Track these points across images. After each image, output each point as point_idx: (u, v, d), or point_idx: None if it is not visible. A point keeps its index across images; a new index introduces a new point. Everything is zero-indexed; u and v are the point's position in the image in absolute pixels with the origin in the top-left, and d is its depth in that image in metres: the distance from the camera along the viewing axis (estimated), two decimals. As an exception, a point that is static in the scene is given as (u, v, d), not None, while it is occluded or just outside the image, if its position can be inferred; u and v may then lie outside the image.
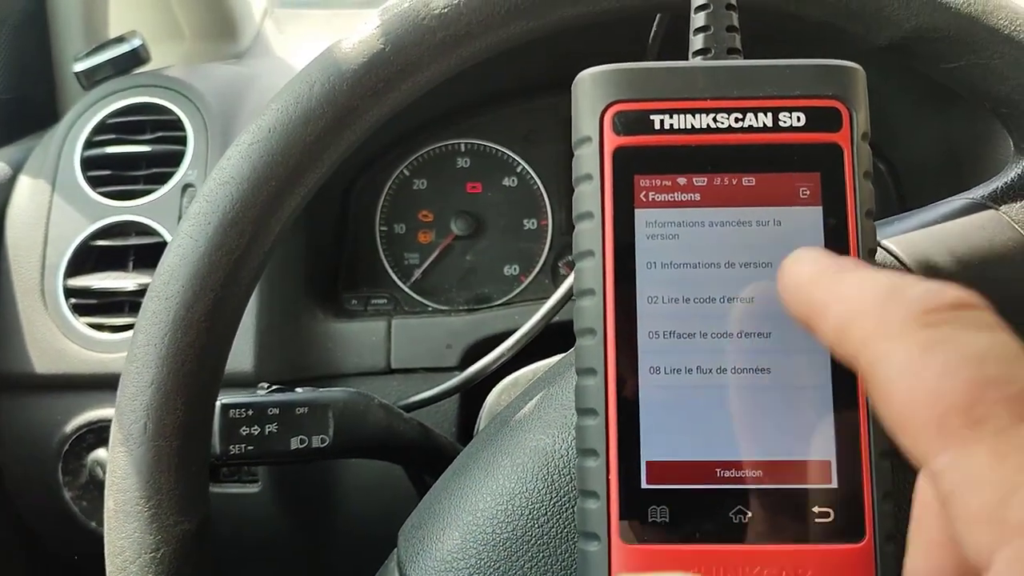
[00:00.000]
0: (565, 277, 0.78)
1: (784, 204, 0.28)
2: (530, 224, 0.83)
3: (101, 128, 0.73)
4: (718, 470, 0.27)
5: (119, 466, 0.34)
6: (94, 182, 0.72)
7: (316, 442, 0.44)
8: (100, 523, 0.69)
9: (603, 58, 0.31)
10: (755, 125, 0.28)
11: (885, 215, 0.38)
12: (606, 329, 0.28)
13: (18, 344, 0.68)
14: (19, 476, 0.71)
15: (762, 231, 0.28)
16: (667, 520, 0.27)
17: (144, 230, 0.70)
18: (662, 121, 0.28)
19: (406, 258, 0.83)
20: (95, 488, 0.69)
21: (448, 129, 0.83)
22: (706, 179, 0.28)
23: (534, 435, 0.35)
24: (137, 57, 0.79)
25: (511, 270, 0.82)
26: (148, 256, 0.70)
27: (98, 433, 0.68)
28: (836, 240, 0.28)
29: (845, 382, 0.27)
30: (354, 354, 0.72)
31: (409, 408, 0.54)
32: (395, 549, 0.36)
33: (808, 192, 0.28)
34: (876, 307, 0.20)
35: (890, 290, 0.20)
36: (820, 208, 0.28)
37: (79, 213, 0.71)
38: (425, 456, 0.51)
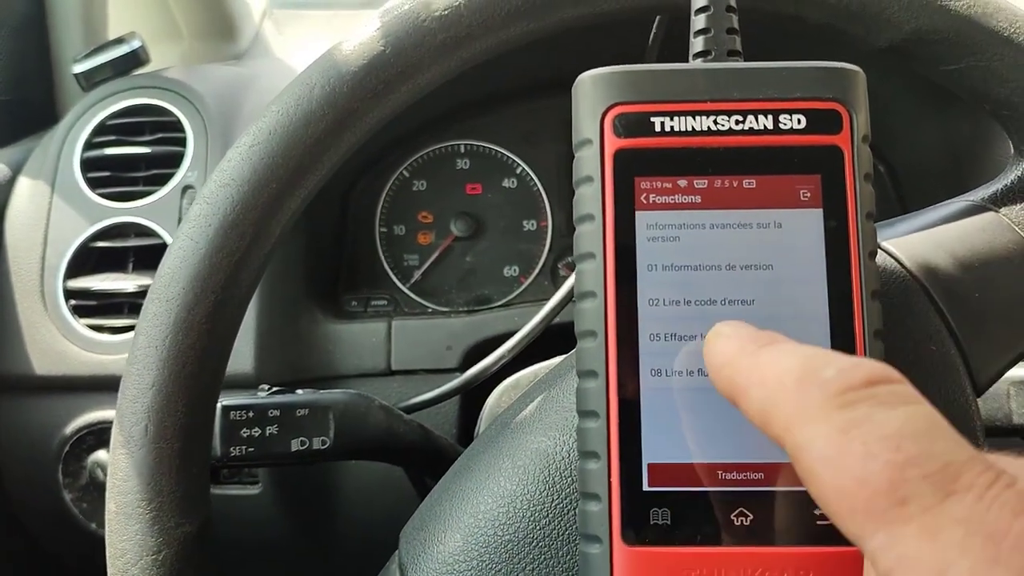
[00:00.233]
0: (565, 278, 0.78)
1: (785, 206, 0.28)
2: (530, 225, 0.83)
3: (101, 129, 0.73)
4: (719, 472, 0.27)
5: (120, 468, 0.34)
6: (94, 183, 0.72)
7: (317, 444, 0.44)
8: (100, 525, 0.69)
9: (603, 58, 0.31)
10: (756, 127, 0.28)
11: (885, 217, 0.38)
12: (607, 331, 0.28)
13: (18, 346, 0.68)
14: (19, 478, 0.71)
15: (763, 233, 0.28)
16: (668, 522, 0.27)
17: (144, 231, 0.70)
18: (663, 123, 0.28)
19: (406, 259, 0.83)
20: (95, 490, 0.69)
21: (448, 130, 0.84)
22: (707, 181, 0.28)
23: (535, 437, 0.35)
24: (136, 58, 0.79)
25: (511, 271, 0.82)
26: (148, 257, 0.70)
27: (98, 435, 0.68)
28: (836, 242, 0.28)
29: None
30: (354, 355, 0.72)
31: (409, 410, 0.53)
32: (396, 551, 0.36)
33: (809, 194, 0.28)
34: (793, 390, 0.20)
35: (805, 371, 0.20)
36: (821, 210, 0.28)
37: (79, 214, 0.71)
38: (426, 458, 0.51)
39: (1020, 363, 0.37)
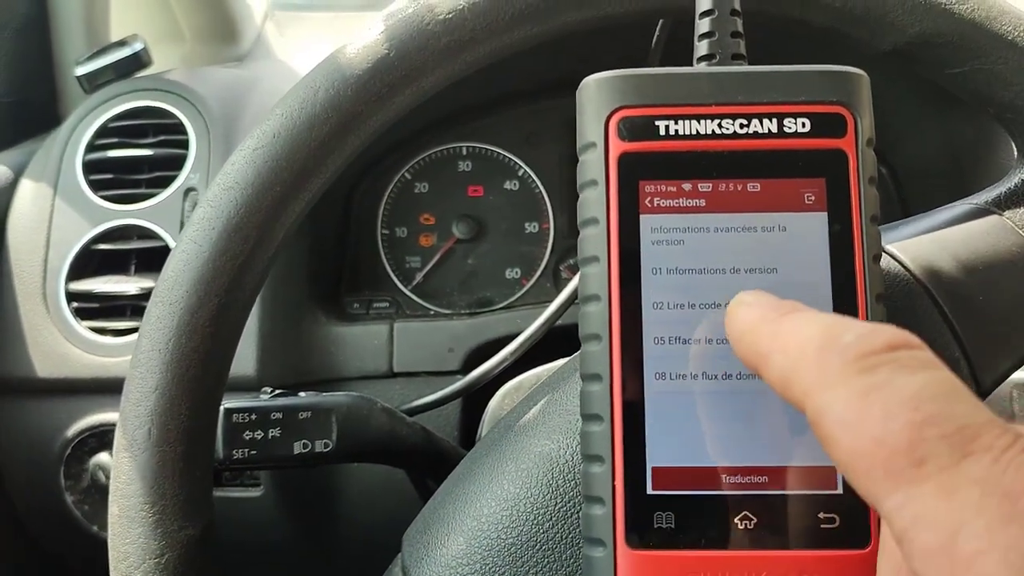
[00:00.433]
0: (567, 281, 0.78)
1: (789, 210, 0.28)
2: (532, 227, 0.83)
3: (103, 132, 0.74)
4: (724, 476, 0.27)
5: (123, 471, 0.34)
6: (96, 186, 0.72)
7: (319, 446, 0.44)
8: (102, 527, 0.69)
9: (607, 62, 0.31)
10: (760, 131, 0.28)
11: (888, 220, 0.38)
12: (611, 335, 0.28)
13: (20, 348, 0.68)
14: (21, 480, 0.71)
15: (767, 237, 0.28)
16: (673, 526, 0.27)
17: (146, 234, 0.70)
18: (667, 127, 0.28)
19: (408, 261, 0.83)
20: (97, 492, 0.69)
21: (449, 132, 0.84)
22: (711, 185, 0.28)
23: (539, 440, 0.35)
24: (138, 61, 0.79)
25: (513, 273, 0.82)
26: (150, 260, 0.70)
27: (100, 437, 0.68)
28: (841, 246, 0.28)
29: None
30: (356, 358, 0.72)
31: (412, 412, 0.53)
32: (399, 554, 0.36)
33: (813, 198, 0.28)
34: (814, 356, 0.20)
35: (826, 337, 0.20)
36: (825, 214, 0.28)
37: (81, 217, 0.71)
38: (428, 460, 0.51)
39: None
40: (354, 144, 0.36)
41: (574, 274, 0.31)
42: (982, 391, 0.35)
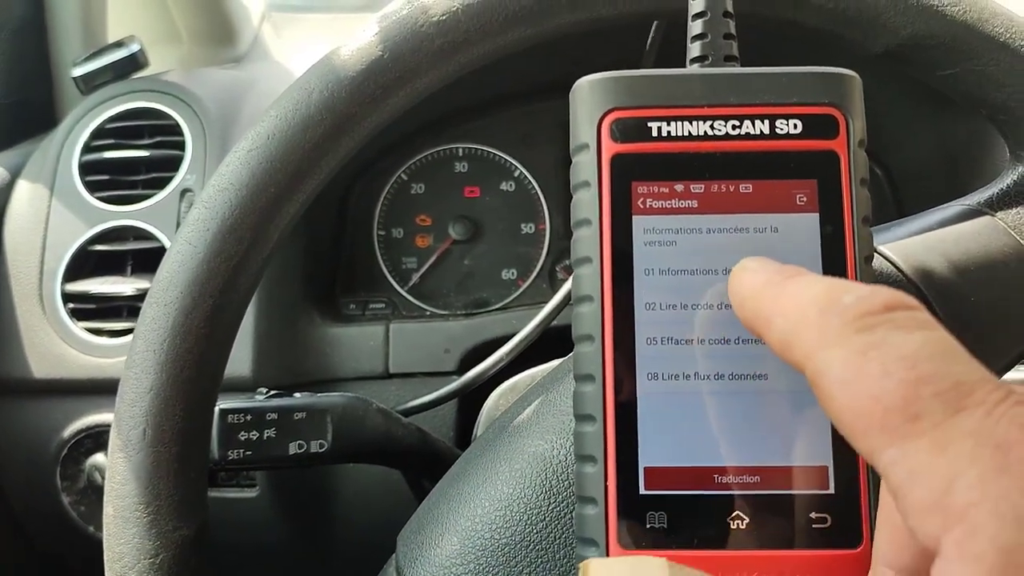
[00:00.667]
0: (563, 281, 0.78)
1: (781, 211, 0.28)
2: (528, 228, 0.83)
3: (99, 133, 0.74)
4: (716, 476, 0.27)
5: (118, 472, 0.34)
6: (92, 187, 0.72)
7: (314, 447, 0.44)
8: (98, 528, 0.69)
9: (600, 63, 0.31)
10: (752, 132, 0.28)
11: (881, 221, 0.38)
12: (604, 335, 0.28)
13: (16, 349, 0.68)
14: (17, 481, 0.71)
15: (759, 238, 0.28)
16: (665, 526, 0.27)
17: (142, 235, 0.70)
18: (659, 128, 0.29)
19: (404, 262, 0.83)
20: (93, 493, 0.69)
21: (445, 133, 0.84)
22: (703, 186, 0.28)
23: (532, 441, 0.35)
24: (135, 62, 0.79)
25: (509, 274, 0.82)
26: (146, 261, 0.70)
27: (96, 438, 0.68)
28: (833, 247, 0.28)
29: None
30: (352, 358, 0.72)
31: (407, 413, 0.54)
32: (394, 554, 0.36)
33: (805, 199, 0.28)
34: (815, 317, 0.21)
35: (827, 298, 0.21)
36: (817, 215, 0.28)
37: (77, 218, 0.71)
38: (423, 461, 0.51)
39: (1016, 367, 0.37)
40: (348, 145, 0.36)
41: (570, 275, 0.31)
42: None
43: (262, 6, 1.03)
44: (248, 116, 0.74)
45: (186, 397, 0.34)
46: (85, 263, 0.70)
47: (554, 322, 0.53)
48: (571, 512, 0.32)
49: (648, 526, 0.27)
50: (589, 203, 0.29)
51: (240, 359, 0.66)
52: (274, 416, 0.44)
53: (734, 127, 0.28)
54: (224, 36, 0.94)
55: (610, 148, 0.29)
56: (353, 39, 0.37)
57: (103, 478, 0.67)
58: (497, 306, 0.80)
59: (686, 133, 0.28)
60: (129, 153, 0.73)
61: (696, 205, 0.28)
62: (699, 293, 0.28)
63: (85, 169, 0.72)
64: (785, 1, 0.37)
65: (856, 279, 0.28)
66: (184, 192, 0.71)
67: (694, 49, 0.32)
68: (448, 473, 0.38)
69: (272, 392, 0.46)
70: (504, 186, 0.84)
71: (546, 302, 0.53)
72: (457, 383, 0.54)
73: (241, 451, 0.43)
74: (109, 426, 0.36)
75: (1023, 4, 0.42)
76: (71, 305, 0.69)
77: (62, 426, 0.68)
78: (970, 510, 0.16)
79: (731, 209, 0.28)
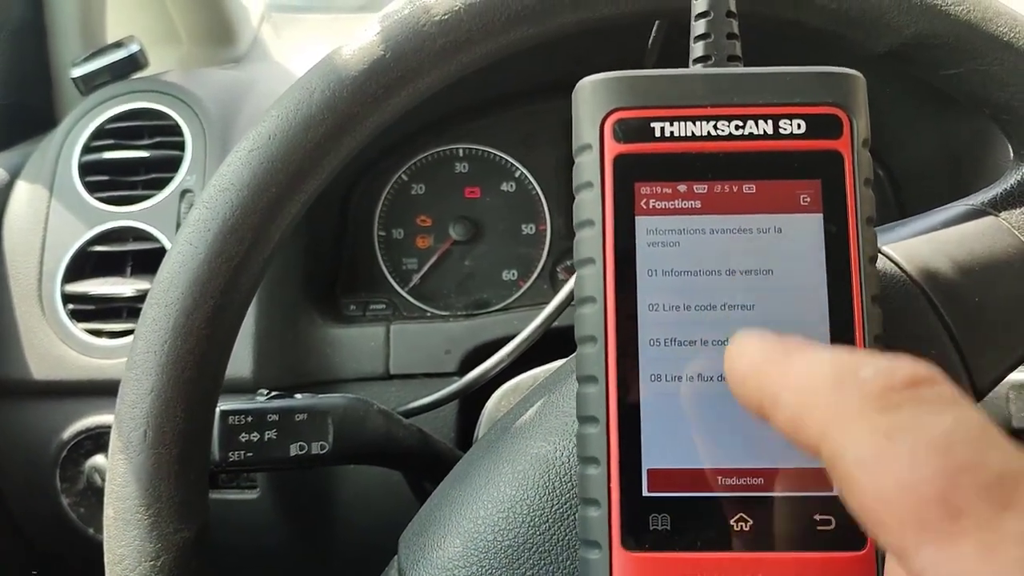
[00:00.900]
0: (564, 282, 0.78)
1: (785, 211, 0.28)
2: (528, 229, 0.83)
3: (99, 133, 0.73)
4: (719, 478, 0.27)
5: (119, 474, 0.34)
6: (92, 187, 0.72)
7: (315, 448, 0.44)
8: (98, 529, 0.69)
9: (603, 63, 0.31)
10: (755, 132, 0.28)
11: (885, 221, 0.38)
12: (607, 337, 0.28)
13: (16, 350, 0.68)
14: (17, 482, 0.71)
15: (763, 238, 0.28)
16: (668, 528, 0.27)
17: (142, 235, 0.70)
18: (662, 129, 0.28)
19: (404, 263, 0.83)
20: (93, 495, 0.69)
21: (446, 134, 0.84)
22: (707, 186, 0.28)
23: (535, 442, 0.34)
24: (135, 62, 0.79)
25: (509, 275, 0.82)
26: (146, 261, 0.70)
27: (96, 439, 0.68)
28: (836, 247, 0.28)
29: None
30: (353, 359, 0.71)
31: (408, 414, 0.53)
32: (395, 556, 0.36)
33: (809, 199, 0.28)
34: (829, 393, 0.19)
35: (841, 372, 0.19)
36: (821, 215, 0.28)
37: (77, 218, 0.71)
38: (424, 462, 0.51)
39: (1020, 367, 0.36)
40: (350, 145, 0.36)
41: (571, 276, 0.31)
42: (979, 392, 0.35)
43: (262, 6, 1.03)
44: (248, 116, 0.74)
45: (187, 398, 0.34)
46: (85, 264, 0.70)
47: (555, 323, 0.52)
48: (574, 514, 0.32)
49: (652, 528, 0.27)
50: (592, 204, 0.29)
51: (241, 360, 0.66)
52: (275, 417, 0.44)
53: (737, 127, 0.28)
54: (224, 36, 0.94)
55: (613, 148, 0.29)
56: (355, 39, 0.37)
57: (103, 480, 0.67)
58: (498, 307, 0.80)
59: (689, 133, 0.28)
60: (129, 154, 0.73)
61: (699, 206, 0.28)
62: (703, 294, 0.28)
63: (85, 170, 0.72)
64: (787, 1, 0.37)
65: (860, 279, 0.28)
66: (184, 193, 0.71)
67: (697, 49, 0.32)
68: (450, 475, 0.38)
69: (273, 393, 0.46)
70: (505, 187, 0.84)
71: (547, 303, 0.53)
72: (458, 384, 0.54)
73: (242, 452, 0.43)
74: (109, 428, 0.36)
75: (1026, 4, 0.41)
76: (71, 306, 0.69)
77: (62, 428, 0.68)
78: None
79: (734, 210, 0.28)
